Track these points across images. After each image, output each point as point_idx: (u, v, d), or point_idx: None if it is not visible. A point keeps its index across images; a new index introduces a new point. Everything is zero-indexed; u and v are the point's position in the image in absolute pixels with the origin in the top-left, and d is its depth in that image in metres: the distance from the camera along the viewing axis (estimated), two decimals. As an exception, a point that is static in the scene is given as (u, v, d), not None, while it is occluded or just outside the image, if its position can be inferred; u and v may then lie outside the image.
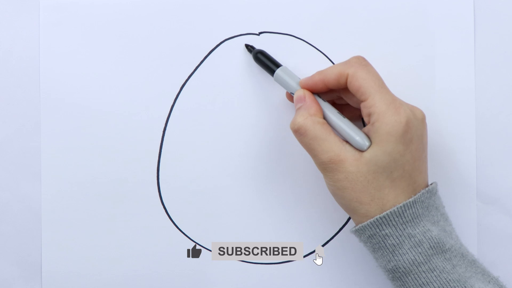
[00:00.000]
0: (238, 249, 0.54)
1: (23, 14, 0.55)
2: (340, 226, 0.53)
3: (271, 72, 0.51)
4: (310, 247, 0.54)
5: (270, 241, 0.54)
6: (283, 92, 0.53)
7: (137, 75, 0.54)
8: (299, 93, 0.48)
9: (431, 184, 0.46)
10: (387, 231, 0.44)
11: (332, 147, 0.45)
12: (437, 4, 0.52)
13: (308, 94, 0.47)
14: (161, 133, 0.54)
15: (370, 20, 0.53)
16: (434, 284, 0.43)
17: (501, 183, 0.53)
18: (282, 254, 0.54)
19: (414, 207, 0.44)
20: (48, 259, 0.55)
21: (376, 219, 0.44)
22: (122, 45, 0.54)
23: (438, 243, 0.43)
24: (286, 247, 0.54)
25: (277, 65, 0.51)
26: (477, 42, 0.52)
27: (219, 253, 0.54)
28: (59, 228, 0.55)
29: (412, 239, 0.43)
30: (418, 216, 0.44)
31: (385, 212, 0.43)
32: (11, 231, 0.56)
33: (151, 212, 0.54)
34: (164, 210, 0.55)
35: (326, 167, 0.45)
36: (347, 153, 0.44)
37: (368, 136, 0.45)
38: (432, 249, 0.43)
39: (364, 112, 0.45)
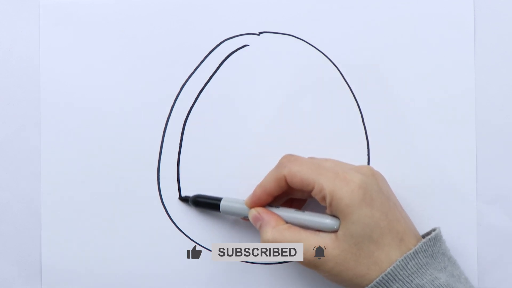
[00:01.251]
0: (238, 250, 0.54)
1: (23, 14, 0.55)
2: (340, 226, 0.53)
3: (216, 208, 0.51)
4: (310, 247, 0.54)
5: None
6: (283, 92, 0.53)
7: (137, 75, 0.54)
8: (252, 213, 0.49)
9: (434, 231, 0.47)
10: (394, 286, 0.44)
11: (310, 243, 0.45)
12: (437, 4, 0.52)
13: (260, 210, 0.49)
14: (161, 133, 0.54)
15: (370, 20, 0.53)
16: None
17: (501, 183, 0.53)
18: (282, 255, 0.54)
19: (417, 257, 0.44)
20: (48, 259, 0.55)
21: (382, 277, 0.44)
22: (122, 45, 0.54)
23: None
24: (286, 248, 0.54)
25: (217, 199, 0.52)
26: (477, 42, 0.52)
27: (219, 254, 0.54)
28: (59, 228, 0.55)
29: None
30: (423, 266, 0.44)
31: (388, 269, 0.44)
32: (11, 231, 0.56)
33: (151, 212, 0.54)
34: (164, 210, 0.55)
35: (314, 263, 0.46)
36: (324, 240, 0.45)
37: (334, 216, 0.46)
38: None
39: (318, 198, 0.46)
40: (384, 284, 0.44)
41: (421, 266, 0.44)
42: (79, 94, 0.55)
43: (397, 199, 0.48)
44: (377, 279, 0.44)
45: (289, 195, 0.50)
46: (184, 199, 0.54)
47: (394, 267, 0.44)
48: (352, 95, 0.53)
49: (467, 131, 0.52)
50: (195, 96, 0.54)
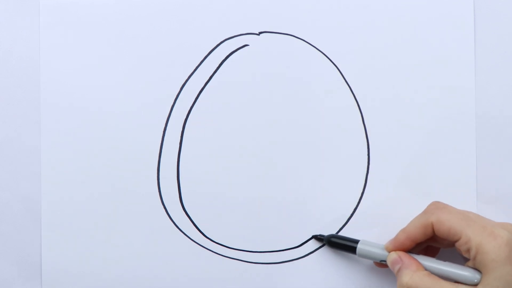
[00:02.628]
0: (238, 249, 0.54)
1: (23, 14, 0.55)
2: (340, 226, 0.53)
3: (352, 250, 0.51)
4: (310, 247, 0.54)
5: (270, 241, 0.54)
6: (283, 92, 0.53)
7: (137, 75, 0.54)
8: (392, 256, 0.48)
9: None
10: None
11: None
12: (437, 4, 0.52)
13: (402, 254, 0.48)
14: (161, 133, 0.54)
15: (370, 20, 0.53)
16: None
17: (501, 183, 0.53)
18: (282, 254, 0.54)
19: None
20: (48, 259, 0.55)
21: None
22: (122, 45, 0.54)
23: None
24: (287, 248, 0.54)
25: (354, 241, 0.51)
26: (477, 42, 0.52)
27: (219, 253, 0.54)
28: (59, 228, 0.55)
29: None
30: None
31: None
32: (11, 231, 0.56)
33: (151, 212, 0.54)
34: (164, 210, 0.55)
35: None
36: None
37: (475, 269, 0.45)
38: None
39: (462, 250, 0.46)
40: None
41: None
42: (79, 94, 0.55)
43: None
44: None
45: (428, 243, 0.50)
46: (318, 238, 0.53)
47: None
48: (352, 95, 0.53)
49: (467, 131, 0.52)
50: (195, 96, 0.54)
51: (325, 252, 0.54)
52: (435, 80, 0.52)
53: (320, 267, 0.54)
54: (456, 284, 0.45)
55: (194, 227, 0.54)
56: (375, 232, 0.53)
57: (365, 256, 0.50)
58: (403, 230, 0.49)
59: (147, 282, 0.55)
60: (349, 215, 0.53)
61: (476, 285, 0.45)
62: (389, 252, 0.49)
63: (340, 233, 0.53)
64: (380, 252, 0.50)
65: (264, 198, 0.54)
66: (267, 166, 0.54)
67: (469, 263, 0.46)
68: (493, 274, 0.44)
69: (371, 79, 0.53)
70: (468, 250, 0.45)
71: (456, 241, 0.46)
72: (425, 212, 0.48)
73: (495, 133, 0.52)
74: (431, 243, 0.50)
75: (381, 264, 0.50)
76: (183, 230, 0.55)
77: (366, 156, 0.53)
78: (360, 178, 0.53)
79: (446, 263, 0.47)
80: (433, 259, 0.48)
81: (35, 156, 0.55)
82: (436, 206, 0.48)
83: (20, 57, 0.55)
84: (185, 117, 0.54)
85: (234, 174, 0.54)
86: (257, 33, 0.54)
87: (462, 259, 0.48)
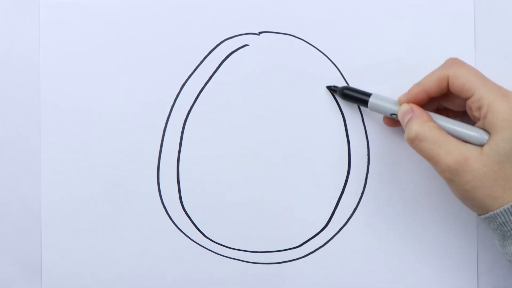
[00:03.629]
0: (238, 249, 0.54)
1: (23, 14, 0.55)
2: (341, 226, 0.53)
3: (364, 103, 0.50)
4: (310, 247, 0.54)
5: (270, 241, 0.54)
6: (283, 92, 0.53)
7: (137, 75, 0.54)
8: (404, 107, 0.48)
9: None
10: (507, 220, 0.43)
11: (455, 147, 0.44)
12: (437, 4, 0.52)
13: (414, 106, 0.47)
14: (161, 133, 0.54)
15: (370, 20, 0.53)
16: None
17: (501, 183, 0.52)
18: (282, 254, 0.54)
19: None
20: (48, 259, 0.55)
21: (510, 206, 0.43)
22: (122, 45, 0.54)
23: None
24: (287, 248, 0.54)
25: (366, 94, 0.50)
26: (477, 42, 0.52)
27: (219, 253, 0.54)
28: (59, 228, 0.55)
29: None
30: None
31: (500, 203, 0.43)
32: (11, 231, 0.56)
33: (151, 212, 0.54)
34: (164, 210, 0.55)
35: (452, 170, 0.44)
36: (469, 151, 0.44)
37: (484, 129, 0.45)
38: None
39: (473, 107, 0.45)
40: (510, 214, 0.43)
41: None
42: (79, 94, 0.55)
43: None
44: (507, 206, 0.43)
45: (440, 102, 0.49)
46: (331, 89, 0.52)
47: None
48: (352, 95, 0.53)
49: (467, 131, 0.52)
50: (195, 96, 0.54)
51: (325, 252, 0.54)
52: (435, 80, 0.52)
53: (320, 267, 0.54)
54: (464, 143, 0.45)
55: (194, 227, 0.54)
56: (375, 231, 0.53)
57: (377, 109, 0.49)
58: (417, 83, 0.48)
59: (147, 282, 0.55)
60: (349, 215, 0.53)
61: (483, 145, 0.44)
62: (402, 103, 0.48)
63: (341, 233, 0.53)
64: (391, 106, 0.49)
65: (264, 198, 0.54)
66: (267, 166, 0.54)
67: (479, 124, 0.45)
68: (502, 134, 0.43)
69: (371, 79, 0.53)
70: (479, 108, 0.44)
71: (469, 97, 0.45)
72: (442, 66, 0.47)
73: (495, 133, 0.52)
74: (443, 102, 0.49)
75: (392, 121, 0.50)
76: (183, 230, 0.55)
77: (366, 156, 0.53)
78: (360, 178, 0.53)
79: (456, 122, 0.46)
80: (444, 117, 0.47)
81: (35, 156, 0.55)
82: (454, 61, 0.47)
83: (20, 57, 0.55)
84: (185, 117, 0.54)
85: (234, 174, 0.54)
86: (257, 33, 0.54)
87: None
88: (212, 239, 0.54)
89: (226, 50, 0.54)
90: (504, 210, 0.43)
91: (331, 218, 0.53)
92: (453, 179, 0.44)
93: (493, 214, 0.44)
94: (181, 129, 0.54)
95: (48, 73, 0.55)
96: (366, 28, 0.53)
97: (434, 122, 0.46)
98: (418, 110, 0.47)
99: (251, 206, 0.54)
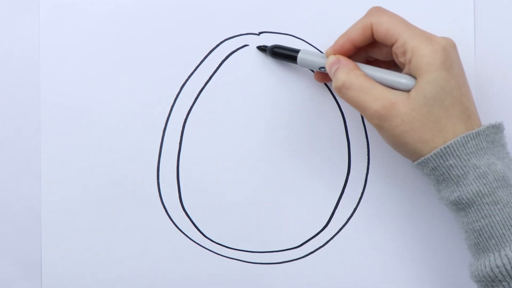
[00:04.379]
0: (238, 249, 0.54)
1: (23, 14, 0.55)
2: (341, 226, 0.53)
3: (293, 60, 0.50)
4: (310, 247, 0.54)
5: (270, 241, 0.54)
6: (283, 92, 0.53)
7: (137, 75, 0.54)
8: (331, 59, 0.47)
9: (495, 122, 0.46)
10: (451, 161, 0.43)
11: (382, 93, 0.44)
12: (437, 4, 0.52)
13: (340, 56, 0.47)
14: (161, 133, 0.54)
15: (370, 20, 0.53)
16: (497, 217, 0.42)
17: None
18: (282, 254, 0.54)
19: (477, 138, 0.43)
20: (48, 259, 0.55)
21: (440, 149, 0.43)
22: (122, 45, 0.54)
23: (503, 177, 0.43)
24: (287, 248, 0.54)
25: (295, 50, 0.50)
26: (477, 42, 0.52)
27: (219, 253, 0.54)
28: (59, 228, 0.55)
29: (477, 170, 0.43)
30: (483, 149, 0.43)
31: (448, 143, 0.43)
32: (11, 231, 0.56)
33: (151, 212, 0.54)
34: (164, 210, 0.55)
35: (380, 116, 0.44)
36: (396, 96, 0.44)
37: (410, 75, 0.45)
38: (497, 181, 0.43)
39: (398, 53, 0.45)
40: (441, 156, 0.43)
41: (481, 148, 0.43)
42: (79, 94, 0.55)
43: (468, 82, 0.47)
44: (437, 149, 0.43)
45: (367, 52, 0.49)
46: (261, 49, 0.53)
47: (456, 140, 0.43)
48: (352, 95, 0.53)
49: (467, 131, 0.52)
50: (195, 96, 0.54)
51: (325, 252, 0.54)
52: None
53: (320, 267, 0.54)
54: (389, 89, 0.45)
55: (194, 227, 0.54)
56: (375, 231, 0.53)
57: (306, 64, 0.50)
58: (343, 34, 0.48)
59: (147, 282, 0.55)
60: (349, 215, 0.53)
61: (409, 90, 0.44)
62: (329, 55, 0.48)
63: (341, 233, 0.53)
64: (320, 59, 0.49)
65: (264, 198, 0.54)
66: (267, 166, 0.54)
67: (405, 70, 0.45)
68: (427, 78, 0.43)
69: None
70: (404, 53, 0.45)
71: (393, 43, 0.45)
72: (365, 15, 0.47)
73: (495, 133, 0.52)
74: (371, 53, 0.49)
75: (323, 75, 0.50)
76: (183, 230, 0.55)
77: (366, 156, 0.53)
78: (360, 178, 0.53)
79: (383, 70, 0.46)
80: (370, 66, 0.47)
81: (35, 156, 0.55)
82: (377, 9, 0.47)
83: (20, 57, 0.55)
84: (185, 117, 0.54)
85: (234, 174, 0.54)
86: (257, 33, 0.54)
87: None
88: (212, 239, 0.54)
89: (226, 50, 0.54)
90: (435, 154, 0.43)
91: (331, 218, 0.53)
92: (382, 125, 0.44)
93: (425, 159, 0.44)
94: (181, 129, 0.54)
95: (48, 73, 0.55)
96: (366, 28, 0.53)
97: (361, 70, 0.46)
98: (344, 60, 0.47)
99: (251, 206, 0.54)
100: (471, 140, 0.43)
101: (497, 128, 0.45)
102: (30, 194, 0.55)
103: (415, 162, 0.45)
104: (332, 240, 0.54)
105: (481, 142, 0.43)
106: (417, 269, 0.53)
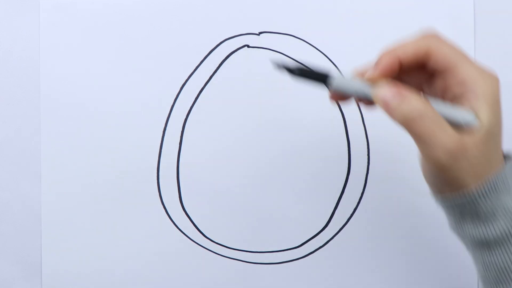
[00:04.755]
0: (238, 249, 0.54)
1: (23, 14, 0.55)
2: (341, 226, 0.53)
3: (325, 81, 0.40)
4: (310, 247, 0.54)
5: (270, 241, 0.54)
6: (283, 92, 0.53)
7: (137, 75, 0.54)
8: (387, 90, 0.39)
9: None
10: (480, 199, 0.40)
11: (453, 131, 0.39)
12: (437, 4, 0.52)
13: (400, 85, 0.40)
14: (161, 133, 0.54)
15: (370, 20, 0.53)
16: None
17: (501, 183, 0.52)
18: (282, 254, 0.54)
19: (504, 176, 0.41)
20: (48, 259, 0.55)
21: (472, 189, 0.40)
22: (122, 45, 0.54)
23: None
24: (287, 248, 0.54)
25: (324, 75, 0.40)
26: (477, 42, 0.52)
27: (219, 253, 0.54)
28: (59, 228, 0.55)
29: (506, 208, 0.40)
30: (510, 185, 0.41)
31: (483, 183, 0.40)
32: (11, 231, 0.56)
33: (151, 212, 0.54)
34: (164, 210, 0.55)
35: (451, 155, 0.39)
36: (464, 136, 0.39)
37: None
38: None
39: (454, 82, 0.40)
40: (471, 195, 0.40)
41: (509, 185, 0.41)
42: (79, 94, 0.55)
43: None
44: (472, 189, 0.40)
45: (410, 77, 0.43)
46: (283, 67, 0.40)
47: (489, 180, 0.40)
48: (352, 95, 0.53)
49: (467, 131, 0.52)
50: (195, 96, 0.54)
51: (325, 252, 0.54)
52: (435, 80, 0.52)
53: (320, 267, 0.54)
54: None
55: (194, 227, 0.54)
56: (375, 231, 0.53)
57: (343, 89, 0.39)
58: (388, 52, 0.41)
59: (147, 282, 0.55)
60: (349, 215, 0.53)
61: (469, 126, 0.39)
62: (374, 80, 0.40)
63: (341, 233, 0.53)
64: (364, 88, 0.39)
65: (264, 198, 0.54)
66: (267, 166, 0.54)
67: (455, 103, 0.41)
68: (492, 114, 0.39)
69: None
70: (463, 82, 0.40)
71: (451, 72, 0.40)
72: (420, 37, 0.42)
73: (495, 133, 0.52)
74: (413, 78, 0.43)
75: (341, 96, 0.41)
76: (183, 230, 0.55)
77: (366, 156, 0.53)
78: (360, 178, 0.53)
79: (440, 101, 0.41)
80: (427, 96, 0.41)
81: (35, 156, 0.55)
82: (434, 34, 0.42)
83: (20, 57, 0.55)
84: (185, 117, 0.54)
85: (234, 174, 0.54)
86: (257, 33, 0.54)
87: None
88: (212, 239, 0.54)
89: (226, 50, 0.54)
90: (466, 192, 0.40)
91: (331, 218, 0.54)
92: (451, 165, 0.39)
93: (454, 195, 0.40)
94: (181, 129, 0.54)
95: (48, 73, 0.55)
96: (366, 28, 0.53)
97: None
98: (405, 90, 0.39)
99: (251, 206, 0.54)
100: (504, 177, 0.41)
101: None
102: (30, 194, 0.55)
103: (442, 196, 0.41)
104: (332, 240, 0.54)
105: (507, 179, 0.41)
106: (417, 269, 0.53)
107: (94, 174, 0.55)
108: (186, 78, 0.54)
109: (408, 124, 0.40)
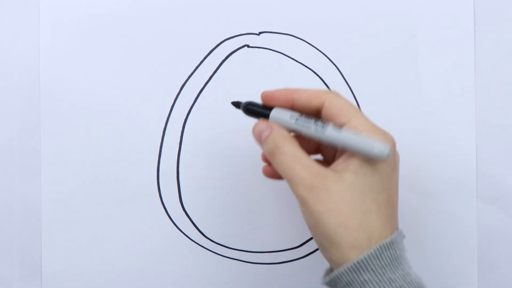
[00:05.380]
0: (238, 249, 0.54)
1: (23, 14, 0.55)
2: (340, 226, 0.53)
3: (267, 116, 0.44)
4: (310, 247, 0.54)
5: (270, 241, 0.54)
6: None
7: (137, 75, 0.54)
8: (262, 125, 0.43)
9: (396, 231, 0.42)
10: (366, 276, 0.39)
11: (312, 164, 0.40)
12: (437, 4, 0.52)
13: (274, 123, 0.43)
14: (161, 133, 0.54)
15: (370, 20, 0.53)
16: None
17: (501, 183, 0.53)
18: (282, 254, 0.54)
19: (391, 248, 0.40)
20: (48, 259, 0.55)
21: (354, 264, 0.38)
22: (122, 45, 0.54)
23: (419, 286, 0.40)
24: (287, 248, 0.54)
25: (268, 108, 0.45)
26: (477, 42, 0.52)
27: (219, 253, 0.54)
28: (59, 228, 0.55)
29: (393, 284, 0.39)
30: (397, 259, 0.40)
31: (362, 255, 0.38)
32: (11, 231, 0.56)
33: (151, 212, 0.55)
34: (164, 210, 0.55)
35: (307, 185, 0.40)
36: (327, 171, 0.40)
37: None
38: None
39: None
40: (355, 271, 0.39)
41: (395, 258, 0.40)
42: (79, 94, 0.55)
43: None
44: (351, 263, 0.38)
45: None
46: (235, 104, 0.47)
47: (371, 253, 0.39)
48: (352, 95, 0.53)
49: (467, 131, 0.52)
50: (195, 96, 0.54)
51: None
52: (435, 80, 0.53)
53: (320, 267, 0.54)
54: (321, 164, 0.41)
55: (194, 227, 0.55)
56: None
57: (279, 122, 0.43)
58: (289, 89, 0.43)
59: (147, 282, 0.55)
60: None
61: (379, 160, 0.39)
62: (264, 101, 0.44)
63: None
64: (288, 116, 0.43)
65: (264, 198, 0.54)
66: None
67: (343, 156, 0.41)
68: (372, 164, 0.39)
69: (371, 79, 0.53)
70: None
71: (345, 123, 0.40)
72: (321, 90, 0.42)
73: (495, 133, 0.52)
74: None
75: (272, 171, 0.46)
76: (183, 230, 0.55)
77: (366, 156, 0.53)
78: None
79: (352, 131, 0.40)
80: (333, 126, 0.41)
81: (35, 156, 0.55)
82: (334, 91, 0.42)
83: (20, 57, 0.55)
84: (185, 117, 0.54)
85: (234, 174, 0.54)
86: (257, 33, 0.54)
87: None
88: (212, 239, 0.54)
89: (226, 50, 0.54)
90: (349, 268, 0.39)
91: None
92: (307, 197, 0.40)
93: (339, 273, 0.39)
94: (181, 129, 0.54)
95: (48, 73, 0.55)
96: (365, 28, 0.53)
97: (295, 140, 0.42)
98: (277, 127, 0.42)
99: (251, 206, 0.54)
100: (386, 250, 0.39)
101: (402, 235, 0.41)
102: (30, 194, 0.55)
103: (327, 278, 0.41)
104: (332, 240, 0.54)
105: (395, 252, 0.40)
106: (417, 269, 0.53)
107: (94, 174, 0.55)
108: (186, 78, 0.54)
109: (270, 157, 0.41)
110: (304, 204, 0.40)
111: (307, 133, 0.42)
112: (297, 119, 0.42)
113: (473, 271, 0.53)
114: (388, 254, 0.39)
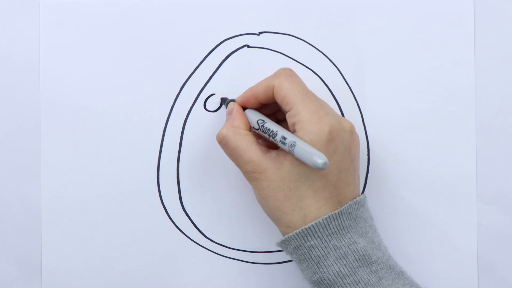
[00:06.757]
0: (238, 249, 0.54)
1: (23, 14, 0.55)
2: (340, 226, 0.53)
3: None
4: (310, 247, 0.54)
5: (270, 241, 0.54)
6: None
7: (137, 75, 0.54)
8: (230, 106, 0.49)
9: (359, 196, 0.46)
10: (312, 242, 0.44)
11: (253, 157, 0.45)
12: (437, 4, 0.52)
13: (236, 107, 0.49)
14: (161, 133, 0.54)
15: (370, 20, 0.53)
16: None
17: (501, 183, 0.53)
18: (282, 254, 0.54)
19: (340, 218, 0.44)
20: (48, 259, 0.55)
21: (301, 230, 0.44)
22: (122, 45, 0.54)
23: (364, 255, 0.43)
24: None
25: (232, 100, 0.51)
26: (477, 42, 0.52)
27: (219, 253, 0.54)
28: (59, 228, 0.55)
29: (338, 251, 0.43)
30: (345, 228, 0.44)
31: (310, 224, 0.44)
32: (11, 231, 0.56)
33: (151, 212, 0.54)
34: (164, 210, 0.55)
35: (250, 176, 0.46)
36: (268, 162, 0.45)
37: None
38: (357, 261, 0.43)
39: (290, 122, 0.45)
40: (303, 237, 0.44)
41: (343, 228, 0.44)
42: (79, 94, 0.55)
43: (357, 167, 0.47)
44: (299, 230, 0.44)
45: (274, 111, 0.50)
46: (223, 100, 0.53)
47: (318, 222, 0.43)
48: (352, 95, 0.53)
49: (467, 131, 0.52)
50: (195, 96, 0.54)
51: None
52: (435, 80, 0.52)
53: (320, 267, 0.54)
54: (265, 153, 0.46)
55: (194, 227, 0.54)
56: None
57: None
58: (251, 87, 0.49)
59: (147, 282, 0.55)
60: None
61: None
62: (236, 103, 0.50)
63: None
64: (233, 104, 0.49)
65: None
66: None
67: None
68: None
69: (371, 79, 0.53)
70: (294, 124, 0.45)
71: (288, 111, 0.45)
72: (273, 74, 0.48)
73: (495, 133, 0.52)
74: (277, 113, 0.50)
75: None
76: (183, 230, 0.55)
77: (366, 156, 0.53)
78: (360, 178, 0.53)
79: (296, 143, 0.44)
80: (273, 123, 0.47)
81: (35, 156, 0.55)
82: (285, 72, 0.47)
83: (20, 57, 0.55)
84: (185, 117, 0.54)
85: (234, 174, 0.54)
86: (257, 33, 0.54)
87: None
88: (212, 239, 0.54)
89: (226, 50, 0.54)
90: (297, 234, 0.44)
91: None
92: (251, 183, 0.46)
93: (288, 238, 0.45)
94: (181, 129, 0.54)
95: (48, 73, 0.55)
96: (365, 29, 0.53)
97: (246, 128, 0.47)
98: (235, 113, 0.48)
99: (251, 206, 0.54)
100: (334, 220, 0.44)
101: (358, 204, 0.45)
102: (30, 194, 0.55)
103: (279, 241, 0.46)
104: (332, 240, 0.53)
105: (344, 221, 0.44)
106: (417, 268, 0.53)
107: (94, 174, 0.55)
108: (186, 78, 0.54)
109: (220, 145, 0.48)
110: (252, 187, 0.47)
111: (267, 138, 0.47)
112: (260, 127, 0.47)
113: (473, 271, 0.53)
114: (336, 223, 0.44)
